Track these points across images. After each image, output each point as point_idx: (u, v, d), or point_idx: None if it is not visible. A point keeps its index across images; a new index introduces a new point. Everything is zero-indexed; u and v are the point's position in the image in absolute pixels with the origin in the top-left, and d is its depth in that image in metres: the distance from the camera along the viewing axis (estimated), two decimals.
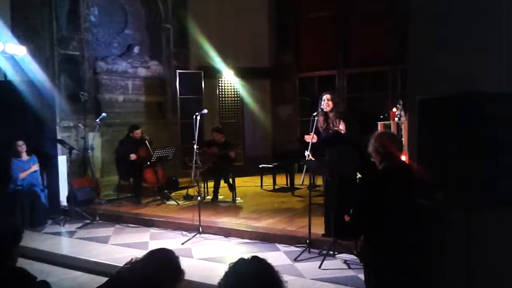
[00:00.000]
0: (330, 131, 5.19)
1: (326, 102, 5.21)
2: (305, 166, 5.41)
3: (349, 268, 4.61)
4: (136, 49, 9.75)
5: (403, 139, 5.47)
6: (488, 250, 2.83)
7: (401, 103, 7.18)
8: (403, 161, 3.12)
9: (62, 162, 7.70)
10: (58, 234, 6.44)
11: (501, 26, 2.96)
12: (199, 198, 6.27)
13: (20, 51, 7.43)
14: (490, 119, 2.38)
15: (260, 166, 8.90)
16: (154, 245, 5.67)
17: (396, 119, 7.09)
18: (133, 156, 7.64)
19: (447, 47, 3.08)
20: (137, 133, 7.87)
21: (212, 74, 10.45)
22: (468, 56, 3.01)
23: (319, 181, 7.82)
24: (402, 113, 6.99)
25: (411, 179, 2.74)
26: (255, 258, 1.71)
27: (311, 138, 5.16)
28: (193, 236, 5.79)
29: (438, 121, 2.50)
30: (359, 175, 5.15)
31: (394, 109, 7.23)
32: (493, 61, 2.97)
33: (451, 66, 3.03)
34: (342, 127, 5.11)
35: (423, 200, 2.65)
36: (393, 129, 6.90)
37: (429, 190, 2.58)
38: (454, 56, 3.04)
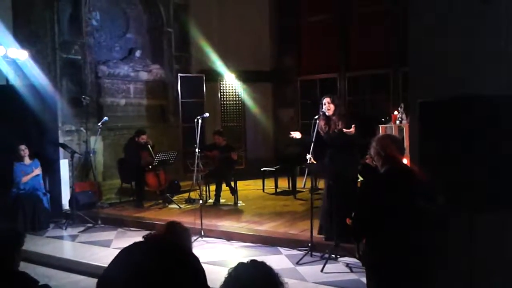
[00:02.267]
0: (336, 130, 5.19)
1: (327, 106, 5.22)
2: (307, 169, 5.40)
3: (351, 271, 4.60)
4: (137, 53, 9.77)
5: (404, 142, 5.47)
6: (490, 252, 2.82)
7: (403, 106, 7.17)
8: (405, 164, 3.11)
9: (64, 166, 7.71)
10: (60, 238, 6.45)
11: (501, 27, 2.96)
12: (201, 201, 6.27)
13: (22, 55, 7.46)
14: (491, 122, 2.38)
15: (262, 169, 8.90)
16: None
17: (398, 122, 7.09)
18: (145, 155, 7.67)
19: (447, 49, 3.08)
20: (143, 138, 7.88)
21: (214, 77, 10.47)
22: (469, 58, 3.01)
23: (321, 184, 7.81)
24: (404, 116, 6.98)
25: (413, 182, 2.73)
26: (254, 261, 1.71)
27: (294, 134, 5.34)
28: (195, 240, 5.78)
29: (440, 124, 2.51)
30: (360, 178, 5.14)
31: (396, 112, 7.22)
32: (493, 63, 2.97)
33: (452, 68, 3.03)
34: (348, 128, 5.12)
35: (425, 202, 2.65)
36: (395, 132, 6.89)
37: (431, 193, 2.58)
38: (454, 58, 3.04)
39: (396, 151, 2.91)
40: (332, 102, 5.23)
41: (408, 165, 3.27)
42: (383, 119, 7.60)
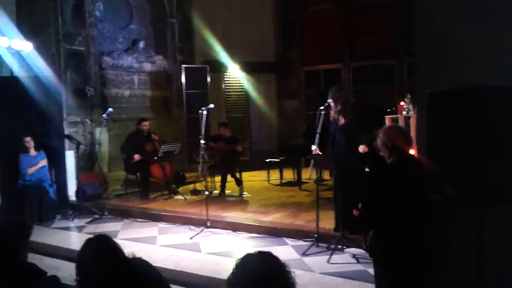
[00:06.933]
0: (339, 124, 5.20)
1: (333, 111, 5.24)
2: (312, 160, 5.38)
3: (358, 262, 4.60)
4: (141, 44, 9.74)
5: (411, 132, 5.43)
6: (499, 245, 2.81)
7: (409, 96, 7.10)
8: (412, 155, 3.09)
9: (70, 157, 7.72)
10: (67, 229, 6.48)
11: None
12: (206, 192, 6.28)
13: (26, 46, 7.45)
14: (501, 113, 2.35)
15: (267, 160, 8.89)
16: (162, 239, 5.70)
17: (404, 112, 7.02)
18: (136, 157, 7.65)
19: (455, 39, 3.03)
20: (145, 124, 7.89)
21: (218, 68, 10.42)
22: (478, 49, 2.97)
23: (326, 175, 7.80)
24: (411, 106, 6.92)
25: (420, 174, 2.71)
26: (261, 252, 1.72)
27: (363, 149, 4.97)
28: (201, 231, 5.80)
29: (448, 115, 2.48)
30: (367, 169, 5.13)
31: (402, 103, 7.16)
32: (503, 54, 2.93)
33: (461, 59, 2.99)
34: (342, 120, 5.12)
35: (432, 194, 2.63)
36: (401, 123, 6.84)
37: (438, 185, 2.56)
38: (463, 49, 3.00)
39: (403, 142, 2.89)
40: (333, 100, 5.22)
41: (415, 156, 3.24)
42: (389, 110, 7.54)
